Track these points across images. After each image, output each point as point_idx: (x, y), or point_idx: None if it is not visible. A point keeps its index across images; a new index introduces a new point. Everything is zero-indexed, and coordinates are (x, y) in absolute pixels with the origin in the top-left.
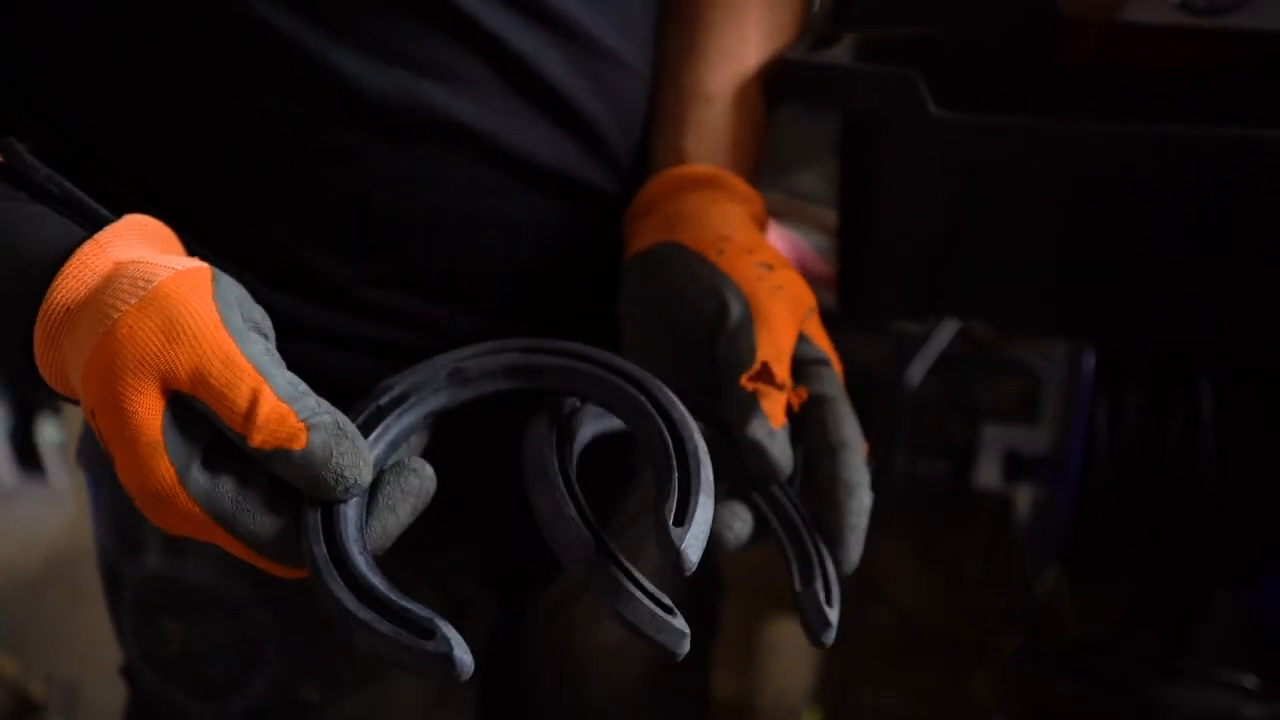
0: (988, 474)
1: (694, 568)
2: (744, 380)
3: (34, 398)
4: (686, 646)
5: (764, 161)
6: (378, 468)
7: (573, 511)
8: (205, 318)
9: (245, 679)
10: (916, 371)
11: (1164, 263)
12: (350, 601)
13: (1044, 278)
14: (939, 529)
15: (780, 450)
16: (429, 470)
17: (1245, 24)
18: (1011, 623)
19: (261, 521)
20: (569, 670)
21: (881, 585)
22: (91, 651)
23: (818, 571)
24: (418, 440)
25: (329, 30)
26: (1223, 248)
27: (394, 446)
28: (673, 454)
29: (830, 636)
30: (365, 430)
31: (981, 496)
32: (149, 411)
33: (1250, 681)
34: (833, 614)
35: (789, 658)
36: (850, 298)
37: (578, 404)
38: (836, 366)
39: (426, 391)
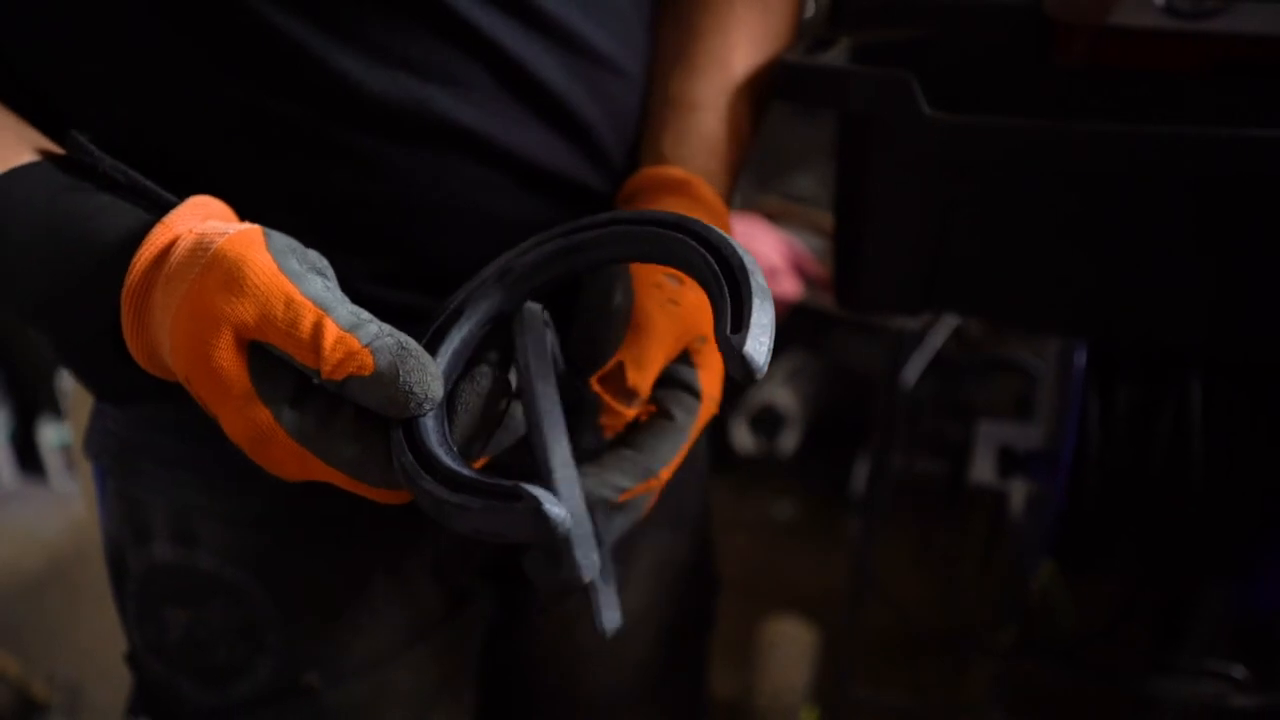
0: (982, 469)
1: (762, 371)
2: (594, 380)
3: (35, 400)
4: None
5: (761, 165)
6: (448, 379)
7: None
8: (263, 267)
9: (248, 665)
10: (912, 372)
11: (1153, 259)
12: (442, 491)
13: (1035, 274)
14: (935, 527)
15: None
16: (497, 371)
17: (1229, 27)
18: (1007, 618)
19: (353, 448)
20: (566, 664)
21: (878, 583)
22: (92, 651)
23: (610, 568)
24: (490, 351)
25: (334, 34)
26: (1210, 244)
27: (459, 356)
28: (719, 273)
29: (615, 631)
30: (430, 349)
31: (976, 492)
32: (234, 365)
33: (1239, 672)
34: (618, 616)
35: (787, 656)
36: (846, 291)
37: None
38: (707, 407)
39: (480, 300)
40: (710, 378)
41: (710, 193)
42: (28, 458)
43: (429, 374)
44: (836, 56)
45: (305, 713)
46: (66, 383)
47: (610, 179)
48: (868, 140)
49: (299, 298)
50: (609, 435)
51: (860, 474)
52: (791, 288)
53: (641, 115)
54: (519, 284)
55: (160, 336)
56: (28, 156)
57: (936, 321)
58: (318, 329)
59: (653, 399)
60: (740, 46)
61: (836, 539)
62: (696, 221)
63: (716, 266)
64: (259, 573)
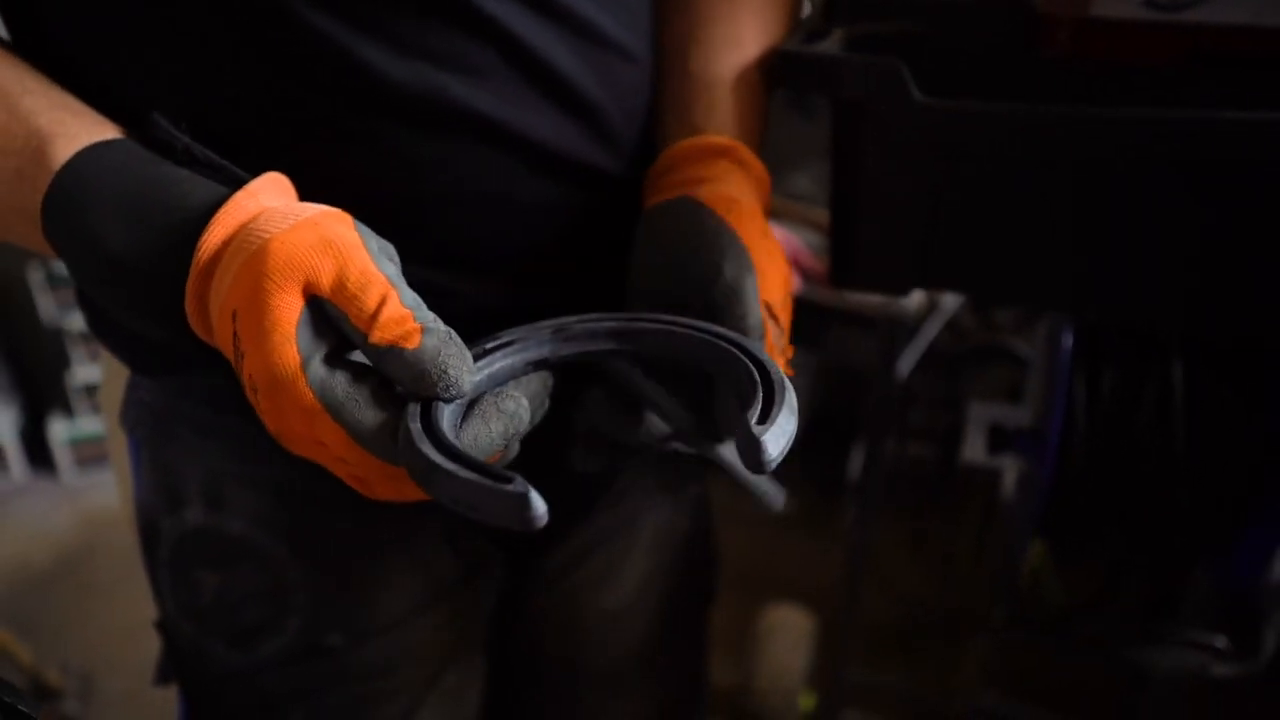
0: (974, 449)
1: (773, 463)
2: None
3: (45, 397)
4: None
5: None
6: (477, 393)
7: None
8: (350, 239)
9: (275, 626)
10: (906, 363)
11: (1133, 237)
12: (437, 456)
13: (1022, 253)
14: (930, 513)
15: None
16: (525, 403)
17: (1205, 18)
18: (999, 599)
19: (366, 413)
20: (571, 633)
21: (876, 569)
22: (100, 642)
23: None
24: (521, 389)
25: (358, 26)
26: (1186, 224)
27: (495, 381)
28: (759, 382)
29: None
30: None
31: (969, 473)
32: (289, 308)
33: (1220, 642)
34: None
35: (786, 643)
36: (841, 271)
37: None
38: (785, 367)
39: (531, 342)
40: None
41: (753, 157)
42: (38, 454)
43: (466, 365)
44: (831, 46)
45: (328, 671)
46: (76, 380)
47: (618, 160)
48: (861, 125)
49: (374, 271)
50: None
51: (856, 464)
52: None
53: (650, 98)
54: (570, 343)
55: (220, 283)
56: (112, 133)
57: (931, 313)
58: (383, 300)
59: None
60: (750, 29)
61: (835, 532)
62: (750, 341)
63: (758, 375)
64: (285, 536)
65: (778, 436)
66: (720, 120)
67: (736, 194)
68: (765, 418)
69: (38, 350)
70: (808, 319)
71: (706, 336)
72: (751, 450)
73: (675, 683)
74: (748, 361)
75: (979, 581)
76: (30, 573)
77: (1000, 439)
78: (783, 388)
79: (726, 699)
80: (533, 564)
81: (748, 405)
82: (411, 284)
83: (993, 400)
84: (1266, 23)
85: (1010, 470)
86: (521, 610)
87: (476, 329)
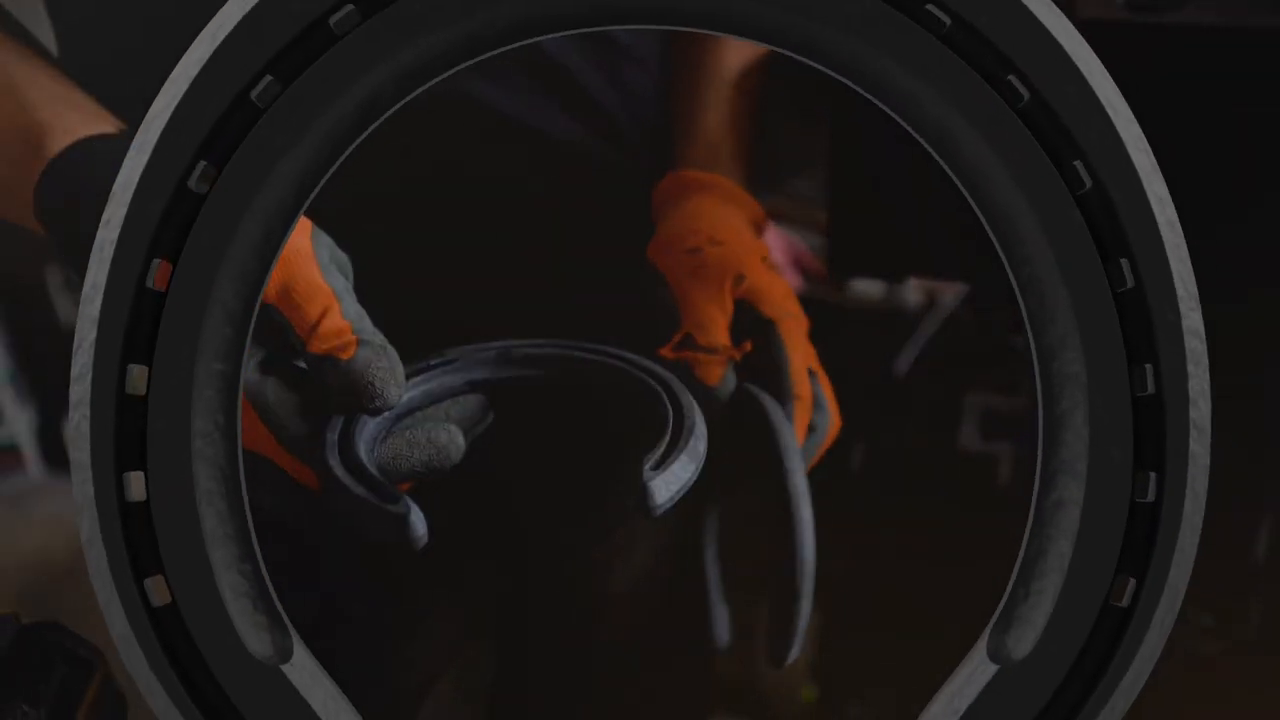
0: (969, 436)
1: (657, 508)
2: (666, 351)
3: (61, 396)
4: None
5: (762, 168)
6: (410, 408)
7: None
8: (303, 250)
9: (299, 597)
10: (905, 360)
11: None
12: (338, 468)
13: None
14: (930, 507)
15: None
16: (460, 440)
17: (1187, 21)
18: (999, 584)
19: (292, 420)
20: (580, 615)
21: (877, 562)
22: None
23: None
24: (458, 409)
25: None
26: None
27: (431, 397)
28: (671, 426)
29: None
30: (412, 374)
31: (969, 464)
32: None
33: (1207, 621)
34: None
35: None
36: (840, 262)
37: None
38: (786, 324)
39: (474, 362)
40: (771, 302)
41: (704, 175)
42: (54, 453)
43: (394, 379)
44: None
45: (349, 641)
46: None
47: (625, 155)
48: (859, 121)
49: (320, 283)
50: (713, 382)
51: (857, 460)
52: (791, 282)
53: (657, 95)
54: (510, 366)
55: None
56: (109, 128)
57: (930, 310)
58: (325, 311)
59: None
60: (730, 47)
61: (837, 529)
62: (676, 382)
63: (672, 418)
64: (309, 511)
65: (669, 483)
66: (698, 148)
67: (667, 225)
68: (661, 463)
69: (54, 350)
70: (809, 318)
71: (635, 372)
72: (639, 494)
73: (680, 670)
74: (668, 402)
75: (979, 571)
76: (48, 569)
77: (994, 426)
78: (689, 434)
79: (729, 691)
80: (545, 543)
81: (654, 446)
82: (428, 277)
83: (993, 395)
84: (1249, 24)
85: (1007, 459)
86: (534, 589)
87: (494, 323)
